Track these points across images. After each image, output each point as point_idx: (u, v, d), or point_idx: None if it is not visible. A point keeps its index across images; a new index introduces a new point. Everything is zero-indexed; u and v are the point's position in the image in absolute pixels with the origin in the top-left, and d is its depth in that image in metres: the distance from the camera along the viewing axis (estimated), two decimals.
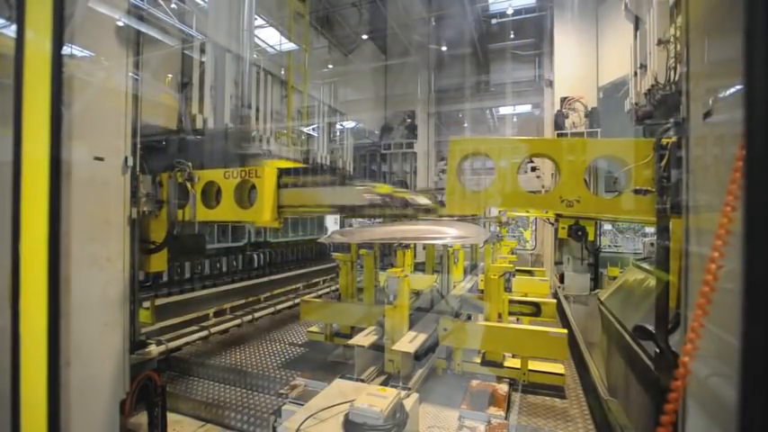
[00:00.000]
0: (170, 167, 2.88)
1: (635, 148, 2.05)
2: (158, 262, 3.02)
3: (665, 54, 4.04)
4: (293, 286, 7.82)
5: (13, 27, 1.64)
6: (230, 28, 5.81)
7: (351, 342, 3.95)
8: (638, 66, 5.21)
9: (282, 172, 2.79)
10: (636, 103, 5.21)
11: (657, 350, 2.25)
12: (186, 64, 5.24)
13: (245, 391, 4.03)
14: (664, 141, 1.92)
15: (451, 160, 2.39)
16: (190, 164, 2.88)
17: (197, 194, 2.83)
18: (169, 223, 2.89)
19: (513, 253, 7.63)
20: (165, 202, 2.86)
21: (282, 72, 8.21)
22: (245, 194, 2.74)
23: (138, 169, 2.65)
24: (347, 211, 2.93)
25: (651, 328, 2.24)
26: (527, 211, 7.10)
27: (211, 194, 2.88)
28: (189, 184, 2.82)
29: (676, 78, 3.70)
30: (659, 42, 4.19)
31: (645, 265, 5.30)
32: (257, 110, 6.70)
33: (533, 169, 9.42)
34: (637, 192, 1.98)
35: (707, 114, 1.39)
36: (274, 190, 2.69)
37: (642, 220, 2.21)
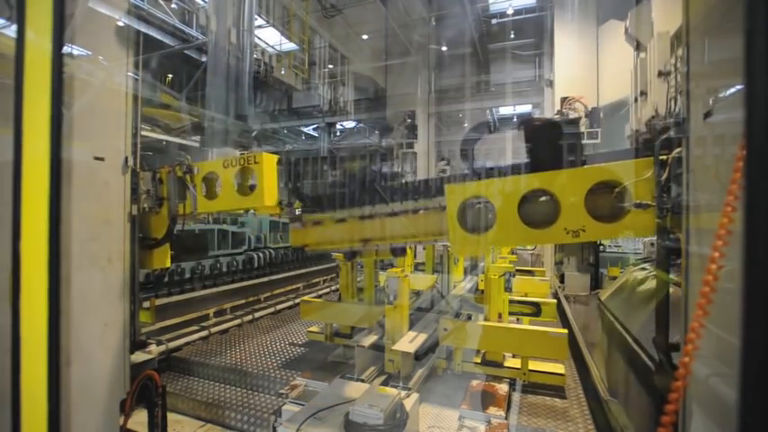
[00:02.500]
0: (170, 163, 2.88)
1: (634, 168, 2.04)
2: (161, 258, 3.01)
3: (666, 86, 4.02)
4: (293, 286, 7.82)
5: (13, 27, 1.64)
6: None
7: (351, 342, 3.95)
8: (639, 92, 5.19)
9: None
10: (636, 130, 5.19)
11: (658, 354, 2.24)
12: None
13: (245, 390, 4.03)
14: (662, 157, 1.92)
15: (450, 205, 2.37)
16: (189, 157, 2.88)
17: (197, 186, 2.84)
18: (170, 218, 2.89)
19: (513, 253, 7.63)
20: (165, 198, 2.87)
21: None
22: (246, 182, 2.74)
23: (138, 167, 2.65)
24: None
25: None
26: None
27: (212, 186, 2.89)
28: (188, 177, 2.82)
29: (676, 110, 3.68)
30: (660, 74, 4.17)
31: (645, 266, 5.30)
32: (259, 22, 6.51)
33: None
34: (638, 206, 1.98)
35: (707, 114, 1.39)
36: (273, 174, 2.69)
37: (646, 233, 2.22)
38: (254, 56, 6.43)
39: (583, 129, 9.37)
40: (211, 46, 5.29)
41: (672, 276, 2.29)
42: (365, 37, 13.29)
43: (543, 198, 2.21)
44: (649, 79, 4.65)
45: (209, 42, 5.23)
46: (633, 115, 5.49)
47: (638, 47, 5.71)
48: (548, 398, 3.76)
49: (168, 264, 3.07)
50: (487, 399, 3.42)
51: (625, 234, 2.16)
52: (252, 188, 2.70)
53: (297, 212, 3.08)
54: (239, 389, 4.06)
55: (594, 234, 2.11)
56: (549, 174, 2.20)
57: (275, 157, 2.75)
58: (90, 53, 2.22)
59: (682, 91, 1.63)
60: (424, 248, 6.95)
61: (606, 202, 2.10)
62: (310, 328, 5.22)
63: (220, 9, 5.35)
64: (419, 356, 3.91)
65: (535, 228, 2.18)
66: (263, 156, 2.64)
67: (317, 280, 8.72)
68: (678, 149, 1.81)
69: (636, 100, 5.35)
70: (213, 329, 5.42)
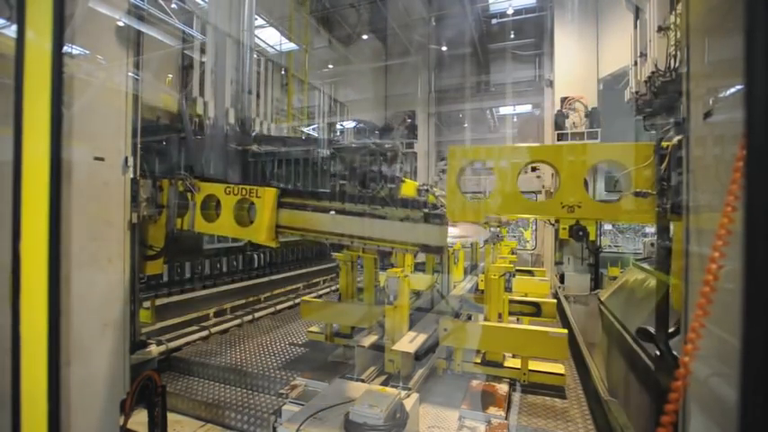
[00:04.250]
0: (170, 171, 2.90)
1: (635, 152, 2.05)
2: (155, 266, 3.04)
3: (665, 41, 4.05)
4: (293, 286, 7.82)
5: (13, 27, 1.64)
6: (231, 13, 5.76)
7: (351, 342, 3.95)
8: (639, 54, 5.23)
9: (283, 192, 2.81)
10: (636, 92, 5.22)
11: (658, 352, 2.25)
12: (186, 52, 5.24)
13: (245, 391, 4.03)
14: (664, 144, 1.92)
15: (451, 169, 2.38)
16: (190, 176, 2.89)
17: (197, 205, 2.85)
18: (168, 229, 2.91)
19: (513, 253, 7.63)
20: (164, 206, 2.88)
21: (284, 70, 8.21)
22: (245, 212, 2.77)
23: (138, 173, 2.65)
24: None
25: (653, 330, 2.24)
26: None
27: (211, 206, 2.90)
28: (189, 195, 2.84)
29: (676, 65, 3.70)
30: (659, 29, 4.22)
31: (645, 266, 5.30)
32: (258, 95, 6.61)
33: (533, 169, 9.40)
34: (637, 194, 1.98)
35: (707, 114, 1.39)
36: (273, 211, 2.71)
37: (643, 220, 2.22)
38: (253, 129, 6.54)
39: (583, 129, 9.37)
40: (209, 128, 5.42)
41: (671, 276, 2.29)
42: (365, 37, 13.30)
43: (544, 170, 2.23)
44: (649, 38, 4.71)
45: (206, 125, 5.35)
46: (633, 78, 5.53)
47: (638, 13, 5.77)
48: (548, 398, 3.76)
49: (162, 270, 3.10)
50: (487, 399, 3.42)
51: (622, 218, 2.18)
52: (251, 219, 2.73)
53: None
54: (239, 389, 4.06)
55: (590, 212, 2.13)
56: (552, 146, 2.22)
57: (275, 192, 2.75)
58: (90, 53, 2.22)
59: (682, 90, 1.62)
60: None
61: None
62: (310, 328, 5.22)
63: (219, 97, 5.48)
64: (419, 356, 3.91)
65: (531, 194, 2.20)
66: (264, 191, 2.66)
67: (317, 280, 8.72)
68: (678, 137, 1.81)
69: (636, 63, 5.39)
70: (213, 329, 5.42)
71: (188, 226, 2.85)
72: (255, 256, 7.03)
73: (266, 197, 2.65)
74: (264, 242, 2.70)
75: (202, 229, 2.88)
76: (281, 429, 2.53)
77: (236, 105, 5.63)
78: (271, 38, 10.99)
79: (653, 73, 4.34)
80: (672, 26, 3.90)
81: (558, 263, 9.15)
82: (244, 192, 2.70)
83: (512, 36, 13.78)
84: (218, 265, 6.23)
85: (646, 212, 2.00)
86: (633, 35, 5.61)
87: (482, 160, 2.34)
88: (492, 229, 6.54)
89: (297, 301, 7.02)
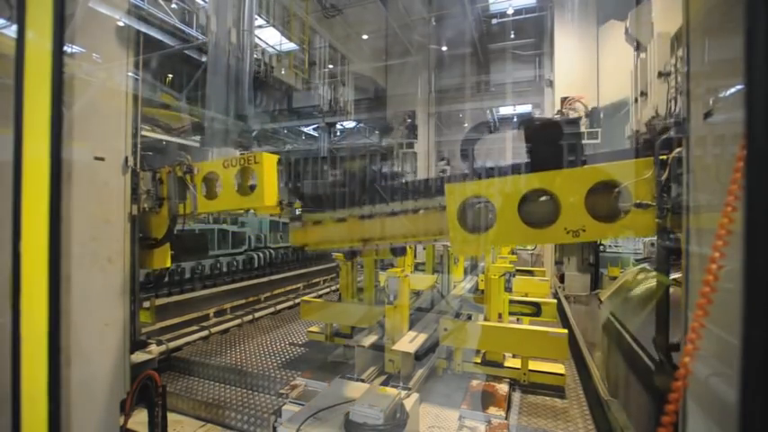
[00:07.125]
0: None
1: (634, 168, 2.04)
2: (161, 258, 3.02)
3: (666, 86, 4.01)
4: (293, 286, 7.82)
5: (14, 27, 1.64)
6: None
7: (351, 342, 3.95)
8: (639, 93, 5.18)
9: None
10: (636, 131, 5.19)
11: (658, 354, 2.24)
12: None
13: (245, 391, 4.03)
14: (662, 157, 1.92)
15: (451, 205, 2.36)
16: (189, 157, 2.88)
17: (197, 186, 2.84)
18: (170, 218, 2.90)
19: (513, 253, 7.63)
20: (165, 198, 2.87)
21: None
22: (246, 183, 2.74)
23: (138, 167, 2.65)
24: None
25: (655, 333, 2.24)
26: None
27: (211, 186, 2.89)
28: (189, 177, 2.83)
29: (677, 111, 3.67)
30: (660, 75, 4.17)
31: (645, 266, 5.30)
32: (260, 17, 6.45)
33: None
34: (638, 206, 1.98)
35: (707, 114, 1.39)
36: (273, 175, 2.70)
37: (647, 234, 2.22)
38: (255, 56, 6.45)
39: (583, 129, 9.35)
40: (211, 46, 5.28)
41: (671, 276, 2.29)
42: (365, 37, 13.30)
43: (543, 198, 2.21)
44: (649, 80, 4.65)
45: (209, 42, 5.21)
46: (633, 116, 5.50)
47: (639, 47, 5.72)
48: (548, 398, 3.76)
49: (169, 263, 3.07)
50: (487, 399, 3.42)
51: (625, 234, 2.15)
52: (252, 188, 2.69)
53: (297, 212, 3.10)
54: (239, 389, 4.06)
55: (595, 234, 2.11)
56: (549, 173, 2.19)
57: (275, 157, 2.74)
58: (90, 53, 2.22)
59: (682, 91, 1.62)
60: (424, 248, 6.95)
61: (606, 201, 2.10)
62: (310, 328, 5.22)
63: (220, 9, 5.31)
64: (419, 356, 3.91)
65: (535, 227, 2.18)
66: (263, 156, 2.63)
67: (317, 280, 8.72)
68: (678, 149, 1.80)
69: (636, 100, 5.35)
70: (213, 329, 5.43)
71: (191, 209, 2.83)
72: (255, 257, 7.04)
73: (265, 161, 2.63)
74: (269, 207, 2.66)
75: (205, 208, 2.86)
76: (281, 429, 2.54)
77: (237, 26, 5.51)
78: (271, 38, 10.98)
79: (653, 117, 4.30)
80: (672, 71, 3.85)
81: (558, 263, 9.15)
82: (242, 161, 2.68)
83: (512, 36, 13.80)
84: (219, 265, 6.24)
85: (648, 226, 1.99)
86: (633, 72, 5.54)
87: (481, 195, 2.31)
88: None
89: (297, 301, 7.02)
